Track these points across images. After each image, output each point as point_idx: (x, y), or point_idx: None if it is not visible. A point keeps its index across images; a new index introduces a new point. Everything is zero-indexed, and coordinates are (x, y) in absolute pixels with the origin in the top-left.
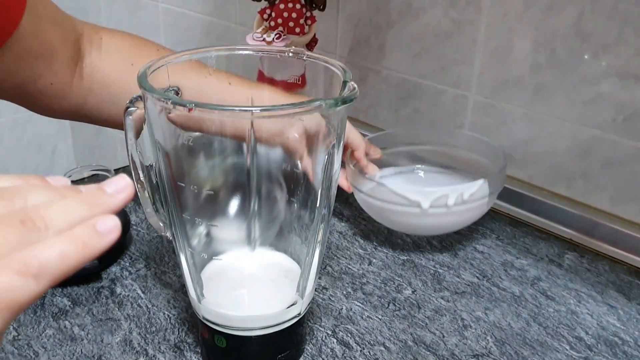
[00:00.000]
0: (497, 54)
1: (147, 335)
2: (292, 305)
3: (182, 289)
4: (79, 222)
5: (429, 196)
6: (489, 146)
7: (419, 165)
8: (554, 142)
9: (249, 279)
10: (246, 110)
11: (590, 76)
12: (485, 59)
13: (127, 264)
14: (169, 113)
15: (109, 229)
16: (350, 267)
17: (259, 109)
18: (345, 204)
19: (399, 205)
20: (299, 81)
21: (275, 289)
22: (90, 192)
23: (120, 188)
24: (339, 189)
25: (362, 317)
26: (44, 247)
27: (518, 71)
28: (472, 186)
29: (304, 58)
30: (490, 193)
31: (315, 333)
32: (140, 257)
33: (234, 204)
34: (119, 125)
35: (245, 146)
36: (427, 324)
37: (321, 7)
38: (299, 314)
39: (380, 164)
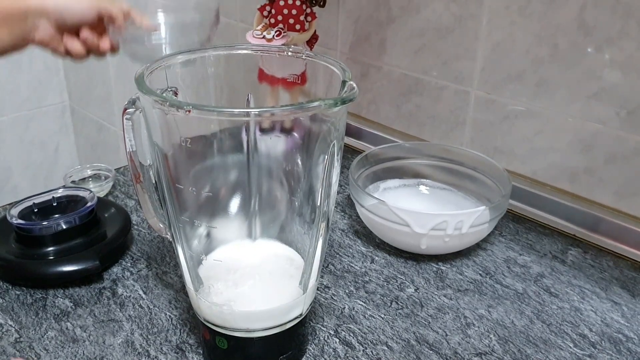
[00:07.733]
0: (498, 49)
1: (149, 337)
2: (295, 299)
3: (184, 289)
4: None
5: (427, 223)
6: (494, 168)
7: (423, 180)
8: (556, 137)
9: (250, 275)
10: (245, 112)
11: (593, 70)
12: (487, 53)
13: (129, 264)
14: (167, 115)
15: None
16: (353, 265)
17: (258, 110)
18: (347, 202)
19: (398, 224)
20: (299, 80)
21: (278, 281)
22: None
23: None
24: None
25: (365, 316)
26: None
27: (520, 66)
28: (472, 214)
29: (303, 57)
30: (491, 219)
31: (318, 333)
32: (141, 258)
33: (234, 205)
34: None
35: (245, 146)
36: (429, 323)
37: (321, 3)
38: (301, 314)
39: (385, 175)
